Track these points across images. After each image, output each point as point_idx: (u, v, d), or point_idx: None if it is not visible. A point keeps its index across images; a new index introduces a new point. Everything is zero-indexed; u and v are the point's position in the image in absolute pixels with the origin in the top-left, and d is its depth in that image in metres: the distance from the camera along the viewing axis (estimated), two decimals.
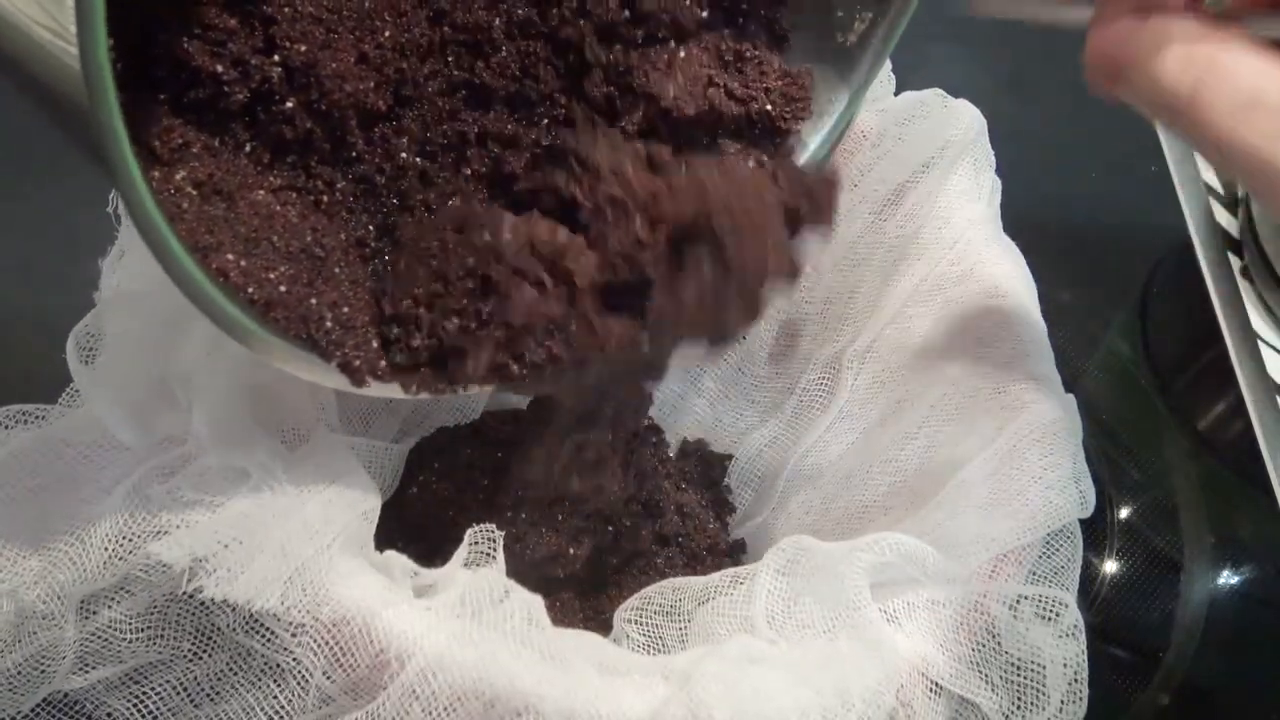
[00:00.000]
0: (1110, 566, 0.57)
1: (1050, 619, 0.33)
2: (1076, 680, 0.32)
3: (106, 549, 0.29)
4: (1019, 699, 0.32)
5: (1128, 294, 0.70)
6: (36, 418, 0.32)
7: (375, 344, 0.33)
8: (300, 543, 0.29)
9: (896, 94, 0.48)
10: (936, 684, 0.32)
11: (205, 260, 0.28)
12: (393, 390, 0.34)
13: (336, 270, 0.33)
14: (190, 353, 0.32)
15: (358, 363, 0.32)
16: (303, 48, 0.32)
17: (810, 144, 0.40)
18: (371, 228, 0.35)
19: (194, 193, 0.30)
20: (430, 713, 0.28)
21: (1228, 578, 0.59)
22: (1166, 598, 0.57)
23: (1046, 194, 0.71)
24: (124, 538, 0.29)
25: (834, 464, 0.49)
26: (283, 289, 0.30)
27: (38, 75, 0.23)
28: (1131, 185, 0.75)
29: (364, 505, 0.34)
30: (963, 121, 0.46)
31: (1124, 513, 0.59)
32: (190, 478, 0.30)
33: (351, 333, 0.32)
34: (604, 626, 0.41)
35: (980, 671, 0.32)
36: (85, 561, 0.29)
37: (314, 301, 0.31)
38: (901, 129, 0.48)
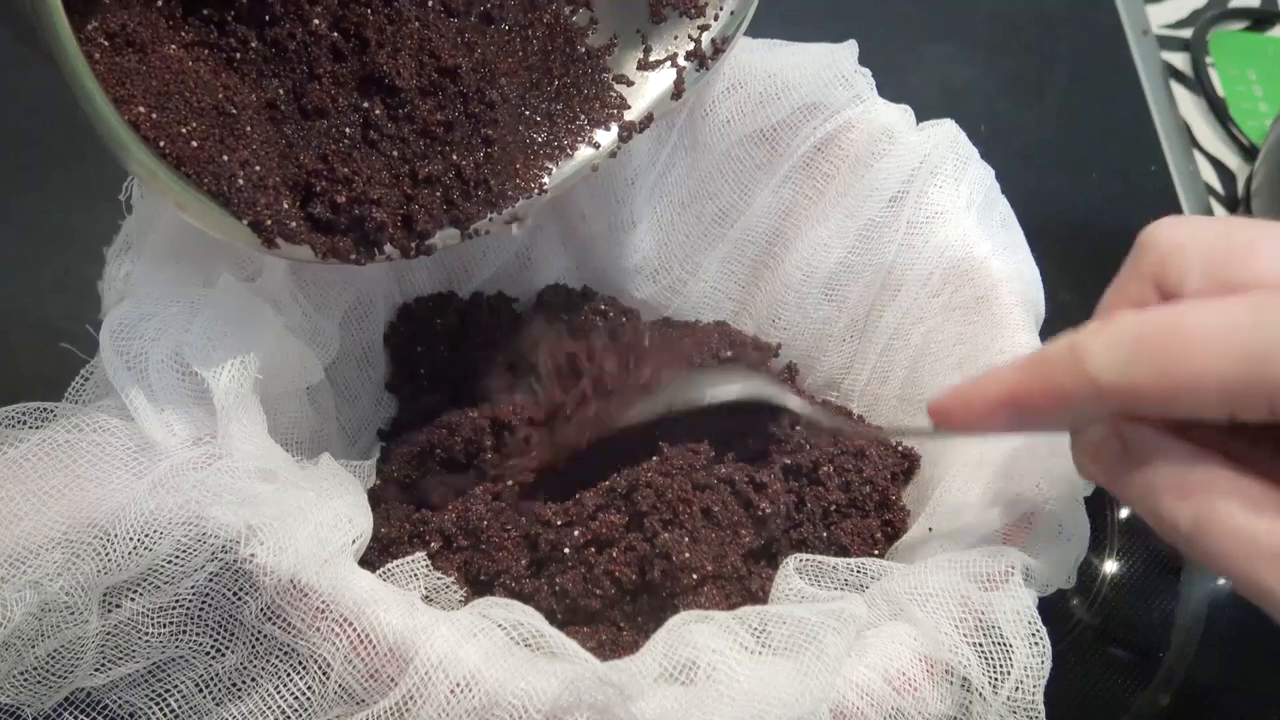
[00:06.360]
0: (1110, 566, 0.57)
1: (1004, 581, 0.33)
2: (1033, 626, 0.32)
3: (132, 539, 0.29)
4: (988, 663, 0.32)
5: None
6: (53, 415, 0.32)
7: (286, 205, 0.33)
8: (332, 531, 0.30)
9: (892, 94, 0.47)
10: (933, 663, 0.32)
11: (118, 111, 0.28)
12: (303, 253, 0.34)
13: (249, 129, 0.33)
14: (217, 357, 0.32)
15: (269, 222, 0.32)
16: None
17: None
18: (282, 92, 0.35)
19: (105, 43, 0.30)
20: (439, 707, 0.28)
21: (1228, 578, 0.59)
22: (1166, 598, 0.57)
23: (1046, 194, 0.72)
24: (150, 529, 0.29)
25: None
26: (194, 144, 0.30)
27: None
28: (1131, 185, 0.75)
29: (363, 526, 0.34)
30: (933, 141, 0.45)
31: (1124, 513, 0.59)
32: (218, 474, 0.31)
33: (263, 191, 0.32)
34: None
35: (971, 644, 0.32)
36: (110, 552, 0.29)
37: (226, 158, 0.31)
38: (871, 159, 0.46)
